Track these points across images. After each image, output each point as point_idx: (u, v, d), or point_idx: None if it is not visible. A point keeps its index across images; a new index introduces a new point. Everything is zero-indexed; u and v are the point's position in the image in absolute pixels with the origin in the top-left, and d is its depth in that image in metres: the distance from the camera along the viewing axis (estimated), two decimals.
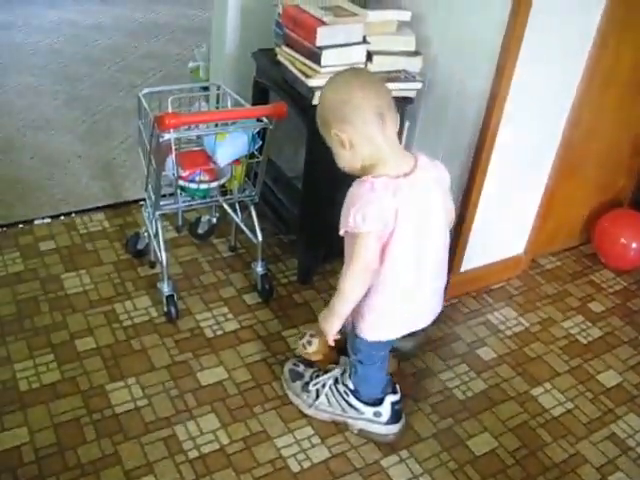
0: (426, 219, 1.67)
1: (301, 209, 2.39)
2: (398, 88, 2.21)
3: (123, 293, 2.41)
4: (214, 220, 2.63)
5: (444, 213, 1.74)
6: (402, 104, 2.25)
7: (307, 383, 2.02)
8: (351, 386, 1.96)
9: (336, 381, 1.99)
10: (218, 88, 2.36)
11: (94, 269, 2.50)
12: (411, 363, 2.25)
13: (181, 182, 2.15)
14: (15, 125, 3.37)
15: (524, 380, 2.25)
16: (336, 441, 1.96)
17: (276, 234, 2.70)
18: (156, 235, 2.27)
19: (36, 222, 2.72)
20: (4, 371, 2.07)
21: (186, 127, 2.02)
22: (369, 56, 2.18)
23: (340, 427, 2.00)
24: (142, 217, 2.46)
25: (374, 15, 2.17)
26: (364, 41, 2.15)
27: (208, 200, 2.26)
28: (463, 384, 2.21)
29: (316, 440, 1.96)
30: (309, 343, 2.04)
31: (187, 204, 2.22)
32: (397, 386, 2.00)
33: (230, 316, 2.35)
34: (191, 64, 3.70)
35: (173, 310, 2.27)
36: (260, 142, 2.13)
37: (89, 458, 1.83)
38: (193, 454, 1.87)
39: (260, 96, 2.54)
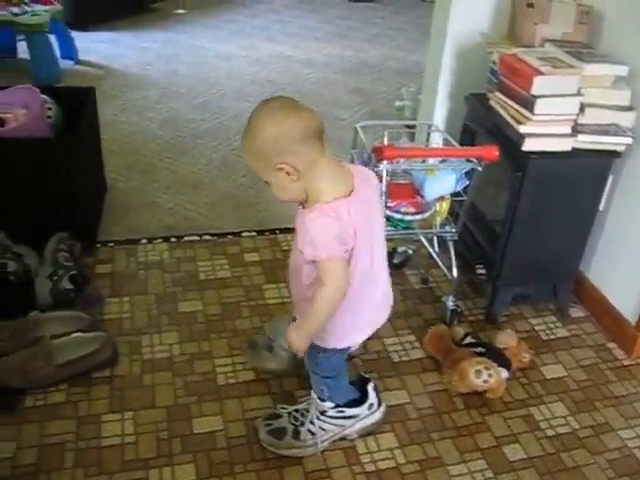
0: (373, 225, 1.69)
1: (498, 252, 2.44)
2: (607, 142, 2.24)
3: None
4: (410, 252, 2.74)
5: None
6: (609, 158, 2.28)
7: (296, 432, 1.97)
8: (332, 404, 1.96)
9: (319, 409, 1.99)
10: (429, 127, 2.47)
11: None
12: (589, 415, 2.23)
13: (387, 211, 2.27)
14: (231, 146, 3.69)
15: None
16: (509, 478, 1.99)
17: (468, 272, 2.76)
18: None
19: (243, 235, 2.94)
20: (206, 364, 2.28)
21: (400, 160, 2.14)
22: (581, 108, 2.21)
23: (516, 464, 2.02)
24: None
25: (591, 68, 2.21)
26: (578, 93, 2.19)
27: (409, 232, 2.37)
28: None
29: (489, 474, 1.99)
30: (490, 376, 2.13)
31: (389, 233, 2.34)
32: (358, 371, 2.15)
33: (417, 344, 2.43)
34: (398, 103, 3.86)
35: None
36: (467, 182, 2.22)
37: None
38: (370, 467, 1.97)
39: (468, 139, 2.63)
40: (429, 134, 2.51)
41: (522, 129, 2.19)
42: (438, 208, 2.31)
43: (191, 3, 6.63)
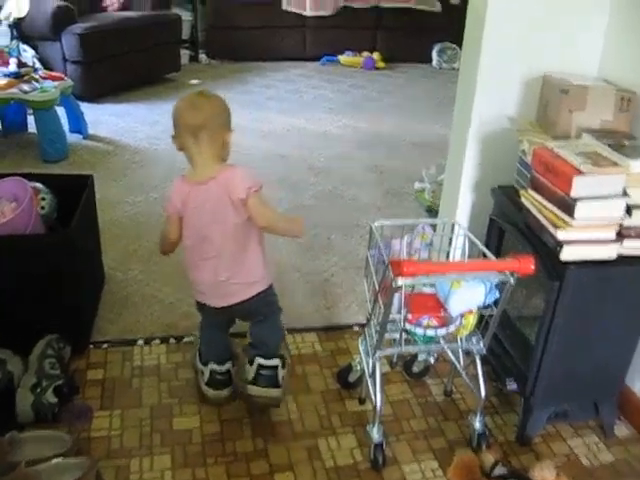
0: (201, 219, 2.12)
1: (532, 367, 2.17)
2: None
3: (328, 428, 2.29)
4: (431, 360, 2.47)
5: None
6: None
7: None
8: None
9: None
10: (453, 226, 2.23)
11: (302, 396, 2.41)
12: None
13: (406, 325, 2.01)
14: None
15: None
16: None
17: (494, 381, 2.48)
18: (371, 375, 2.14)
19: (247, 336, 2.68)
20: None
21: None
22: (627, 210, 1.96)
23: None
24: (357, 347, 2.35)
25: (637, 165, 1.96)
26: (624, 194, 1.95)
27: (432, 346, 2.11)
28: None
29: None
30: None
31: (409, 349, 2.09)
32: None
33: (439, 472, 2.15)
34: (417, 185, 3.65)
35: (380, 459, 2.11)
36: (497, 295, 1.96)
37: None
38: None
39: (495, 236, 2.39)
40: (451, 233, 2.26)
41: (560, 235, 1.94)
42: (464, 321, 2.05)
43: (205, 73, 6.53)
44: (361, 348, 2.29)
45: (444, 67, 7.28)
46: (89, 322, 2.67)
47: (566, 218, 1.93)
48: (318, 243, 3.41)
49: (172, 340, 2.66)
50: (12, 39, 5.29)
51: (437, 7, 7.25)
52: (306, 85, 6.41)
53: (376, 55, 7.12)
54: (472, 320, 2.04)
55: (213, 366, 2.30)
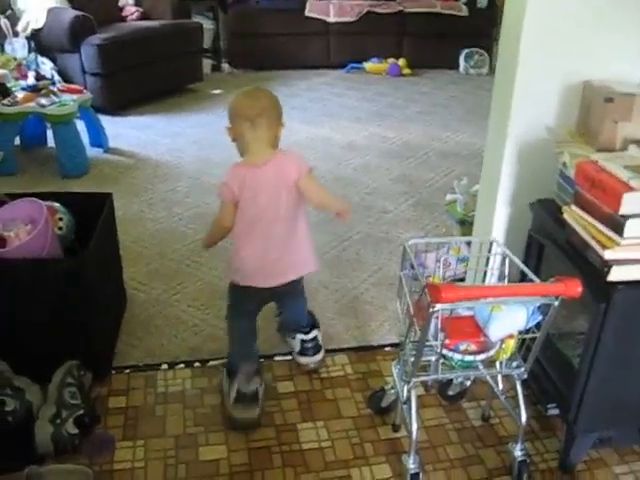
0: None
1: (576, 392, 2.04)
2: None
3: (361, 457, 2.18)
4: (467, 383, 2.35)
5: None
6: None
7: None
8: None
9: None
10: (491, 244, 2.11)
11: (332, 422, 2.31)
12: None
13: (443, 350, 1.90)
14: None
15: None
16: None
17: (534, 404, 2.36)
18: (406, 402, 2.02)
19: (276, 358, 2.59)
20: None
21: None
22: None
23: None
24: (389, 369, 2.24)
25: None
26: None
27: (470, 372, 1.99)
28: None
29: None
30: None
31: (446, 375, 1.97)
32: None
33: None
34: (449, 196, 3.53)
35: None
36: (540, 318, 1.84)
37: None
38: None
39: (534, 253, 2.26)
40: (488, 250, 2.14)
41: (607, 254, 1.81)
42: (504, 345, 1.93)
43: (228, 83, 6.46)
44: (395, 372, 2.17)
45: (471, 73, 7.13)
46: (111, 347, 2.59)
47: (614, 237, 1.80)
48: (346, 258, 3.29)
49: (197, 364, 2.57)
50: (30, 51, 5.27)
51: (464, 11, 7.10)
52: (330, 93, 6.31)
53: (401, 61, 6.99)
54: (513, 344, 1.92)
55: (246, 366, 2.31)
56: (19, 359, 2.26)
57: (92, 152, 4.55)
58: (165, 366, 2.55)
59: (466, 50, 7.16)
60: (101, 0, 5.84)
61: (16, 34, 5.35)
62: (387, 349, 2.66)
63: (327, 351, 2.61)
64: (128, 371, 2.52)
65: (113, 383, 2.46)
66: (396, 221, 3.68)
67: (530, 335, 1.89)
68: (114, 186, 4.06)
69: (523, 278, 2.06)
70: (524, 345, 1.94)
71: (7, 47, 5.29)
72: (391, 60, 7.03)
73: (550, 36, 2.19)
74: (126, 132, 5.07)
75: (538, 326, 1.88)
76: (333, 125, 5.32)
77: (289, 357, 2.59)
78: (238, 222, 2.20)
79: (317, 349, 2.51)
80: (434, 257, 3.15)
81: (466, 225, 3.36)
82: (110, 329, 2.62)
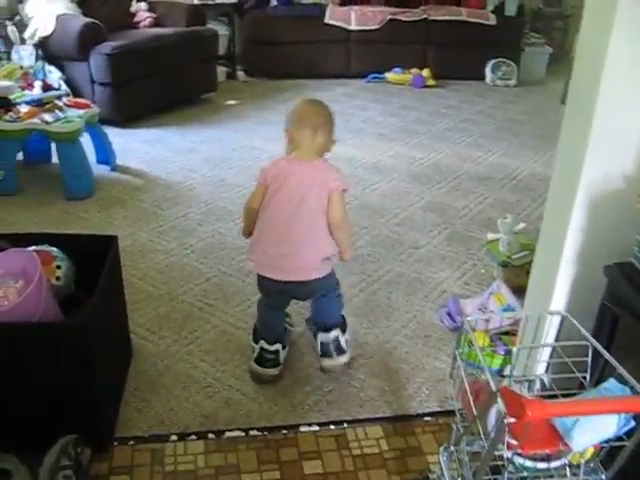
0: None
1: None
2: None
3: None
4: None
5: None
6: None
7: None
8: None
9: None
10: (562, 320, 1.77)
11: None
12: None
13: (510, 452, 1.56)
14: None
15: None
16: None
17: None
18: None
19: (302, 429, 2.26)
20: None
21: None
22: None
23: None
24: (430, 444, 1.96)
25: None
26: None
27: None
28: None
29: None
30: None
31: None
32: None
33: None
34: (490, 235, 3.19)
35: None
36: (633, 424, 1.50)
37: None
38: None
39: (607, 326, 1.92)
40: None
41: None
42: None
43: (244, 92, 6.14)
44: (442, 460, 1.84)
45: (498, 84, 6.79)
46: (114, 411, 2.27)
47: None
48: (376, 304, 2.95)
49: (211, 435, 2.24)
50: (37, 60, 5.00)
51: (491, 20, 6.74)
52: (352, 106, 5.97)
53: (425, 72, 6.64)
54: (594, 450, 1.59)
55: (263, 344, 2.41)
56: (9, 434, 1.95)
57: (99, 170, 4.25)
58: (174, 437, 2.23)
59: (493, 60, 6.82)
60: (113, 6, 5.55)
61: (23, 41, 5.07)
62: (427, 419, 2.33)
63: (358, 422, 2.29)
64: (132, 443, 2.20)
65: (115, 458, 2.14)
66: (429, 258, 3.34)
67: (618, 443, 1.55)
68: (121, 210, 3.76)
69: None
70: (604, 449, 1.61)
71: (14, 55, 5.04)
72: (414, 70, 6.69)
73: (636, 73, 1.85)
74: (136, 146, 4.77)
75: (629, 433, 1.54)
76: (357, 143, 4.99)
77: (315, 427, 2.27)
78: (264, 208, 2.28)
79: (339, 351, 2.46)
80: (475, 304, 2.84)
81: (509, 267, 3.03)
82: (113, 392, 2.30)
